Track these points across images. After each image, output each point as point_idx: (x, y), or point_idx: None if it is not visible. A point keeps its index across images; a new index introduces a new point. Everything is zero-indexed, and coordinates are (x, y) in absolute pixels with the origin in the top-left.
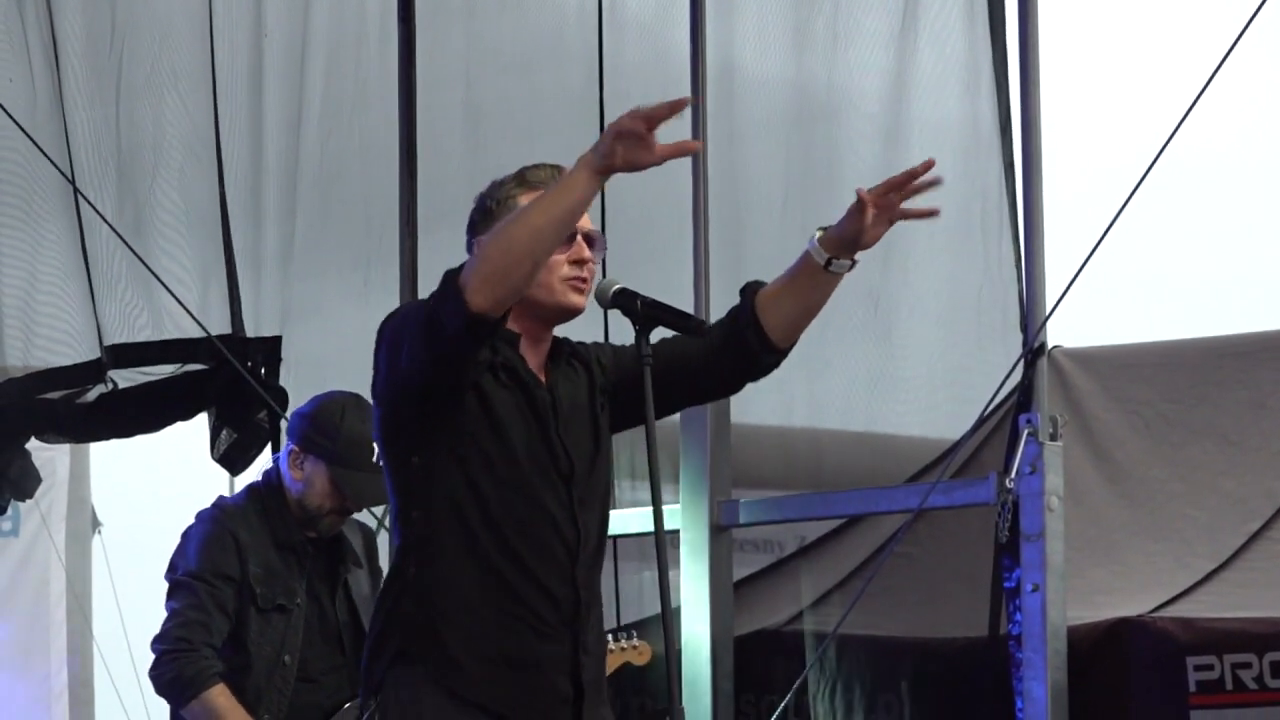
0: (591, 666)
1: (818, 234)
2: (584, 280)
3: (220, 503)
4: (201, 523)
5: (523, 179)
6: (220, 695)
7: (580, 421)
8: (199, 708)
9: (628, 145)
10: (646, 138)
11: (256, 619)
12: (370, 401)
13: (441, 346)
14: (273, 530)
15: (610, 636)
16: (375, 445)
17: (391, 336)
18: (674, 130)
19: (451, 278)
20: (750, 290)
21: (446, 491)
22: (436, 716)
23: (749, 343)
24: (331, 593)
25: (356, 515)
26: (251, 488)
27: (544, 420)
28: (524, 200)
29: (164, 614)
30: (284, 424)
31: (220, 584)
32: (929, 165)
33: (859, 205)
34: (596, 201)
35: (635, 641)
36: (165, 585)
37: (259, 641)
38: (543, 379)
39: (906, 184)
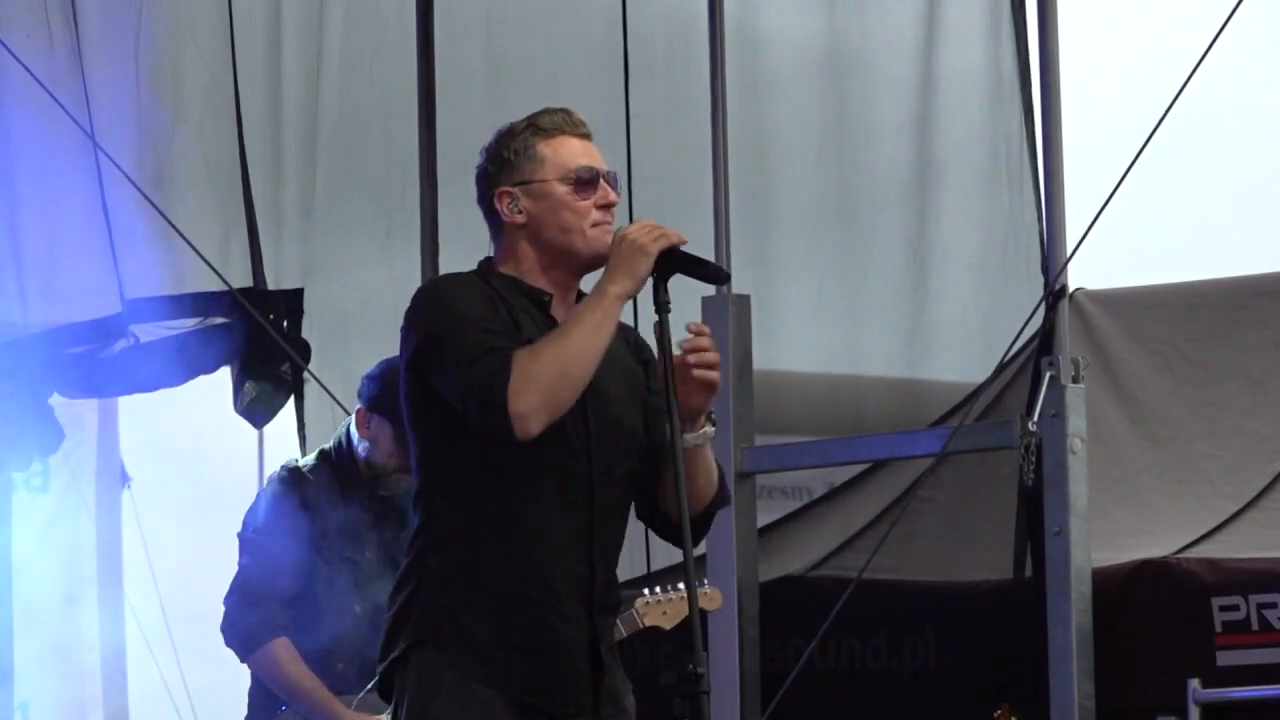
0: (608, 639)
1: None
2: (611, 224)
3: (290, 465)
4: (271, 483)
5: (536, 127)
6: (282, 648)
7: (615, 382)
8: (262, 659)
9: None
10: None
11: (325, 572)
12: None
13: (476, 428)
14: (342, 488)
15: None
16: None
17: (423, 340)
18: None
19: (499, 399)
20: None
21: (473, 481)
22: (451, 697)
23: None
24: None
25: None
26: (322, 450)
27: None
28: (544, 149)
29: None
30: (307, 376)
31: (286, 540)
32: (699, 330)
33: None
34: (621, 151)
35: (706, 589)
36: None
37: (329, 593)
38: None
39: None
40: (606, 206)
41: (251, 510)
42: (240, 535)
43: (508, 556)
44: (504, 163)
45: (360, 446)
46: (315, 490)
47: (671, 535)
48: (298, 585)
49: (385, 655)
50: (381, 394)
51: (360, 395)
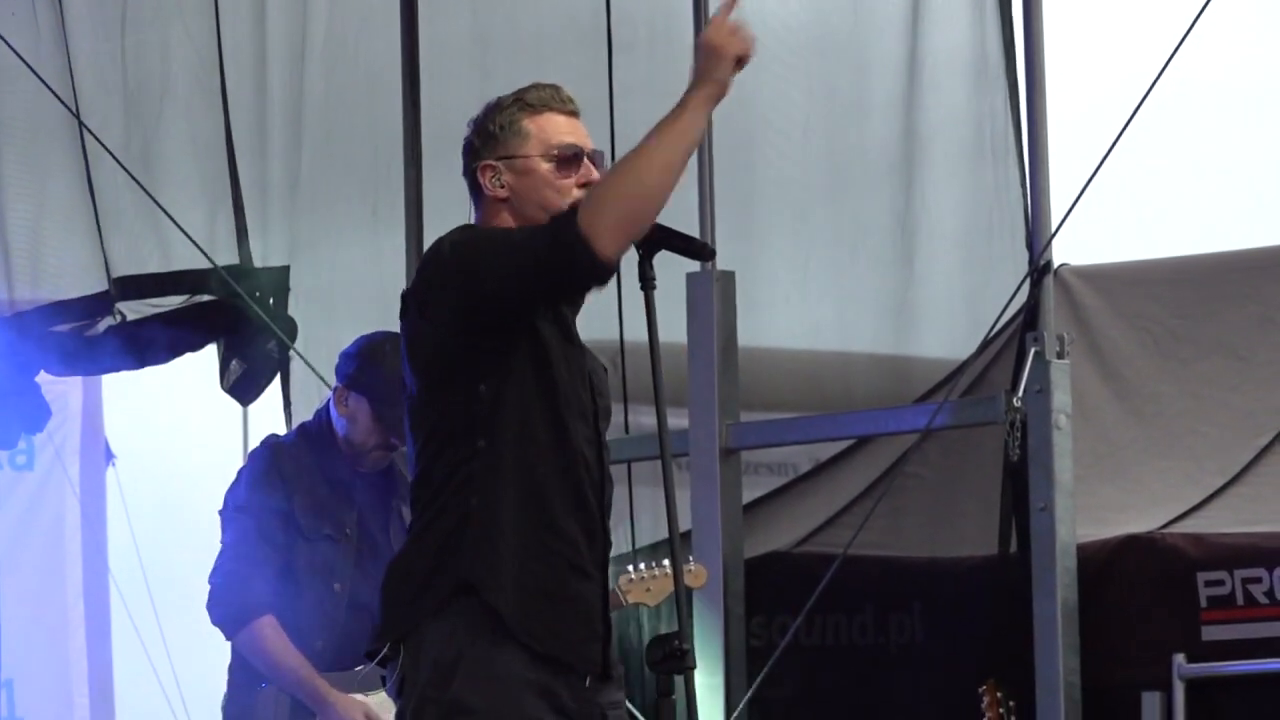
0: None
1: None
2: None
3: (269, 440)
4: (251, 459)
5: (524, 102)
6: (267, 626)
7: (597, 372)
8: (248, 637)
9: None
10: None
11: (305, 548)
12: None
13: (559, 291)
14: (321, 465)
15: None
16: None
17: (463, 264)
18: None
19: (569, 223)
20: None
21: (509, 421)
22: (480, 653)
23: None
24: (385, 525)
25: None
26: (302, 426)
27: (576, 358)
28: (529, 125)
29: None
30: (293, 354)
31: (267, 516)
32: None
33: None
34: (605, 128)
35: (691, 566)
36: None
37: (308, 570)
38: None
39: None
40: (588, 185)
41: (232, 487)
42: (222, 513)
43: (540, 508)
44: (489, 136)
45: (339, 424)
46: (295, 466)
47: None
48: (279, 562)
49: (414, 606)
50: (359, 371)
51: (338, 373)
